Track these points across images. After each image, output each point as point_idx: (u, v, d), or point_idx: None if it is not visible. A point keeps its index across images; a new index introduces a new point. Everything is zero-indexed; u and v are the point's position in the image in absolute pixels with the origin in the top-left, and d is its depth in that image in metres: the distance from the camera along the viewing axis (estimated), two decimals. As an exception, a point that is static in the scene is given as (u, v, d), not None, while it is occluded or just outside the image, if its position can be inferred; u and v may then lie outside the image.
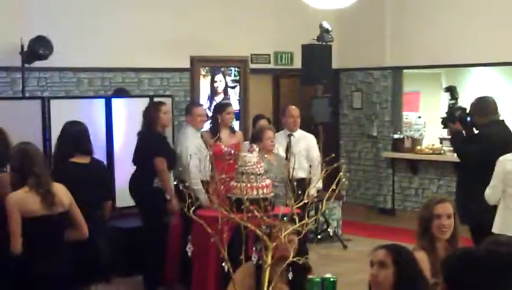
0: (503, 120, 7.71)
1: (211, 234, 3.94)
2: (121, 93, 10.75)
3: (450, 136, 8.23)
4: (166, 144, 8.83)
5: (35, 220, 5.53)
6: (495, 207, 6.91)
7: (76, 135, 7.32)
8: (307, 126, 10.65)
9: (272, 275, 4.11)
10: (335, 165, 4.40)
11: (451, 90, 8.08)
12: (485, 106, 7.43)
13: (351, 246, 10.79)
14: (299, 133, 10.04)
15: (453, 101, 7.86)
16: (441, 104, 14.62)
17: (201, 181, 8.46)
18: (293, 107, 10.15)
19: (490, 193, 6.77)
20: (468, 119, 7.66)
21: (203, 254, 7.30)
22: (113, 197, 8.31)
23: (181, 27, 11.75)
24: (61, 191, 5.74)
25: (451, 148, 9.36)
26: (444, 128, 8.05)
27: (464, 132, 7.63)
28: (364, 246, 10.78)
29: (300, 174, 9.46)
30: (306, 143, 9.97)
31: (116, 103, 10.03)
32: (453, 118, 7.66)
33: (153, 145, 8.58)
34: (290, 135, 9.98)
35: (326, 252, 10.41)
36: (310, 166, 9.74)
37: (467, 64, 12.74)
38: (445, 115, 7.87)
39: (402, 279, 4.06)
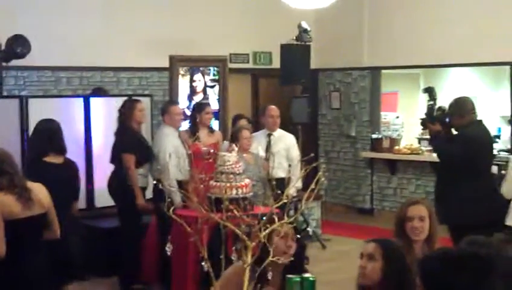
0: (481, 120, 7.75)
1: (190, 233, 3.93)
2: (100, 92, 10.72)
3: (429, 137, 8.25)
4: (138, 140, 8.80)
5: (17, 222, 5.44)
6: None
7: (48, 133, 7.28)
8: (285, 126, 10.67)
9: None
10: (314, 164, 4.40)
11: (430, 91, 8.12)
12: (463, 107, 7.46)
13: (330, 245, 10.82)
14: (279, 133, 10.05)
15: (431, 102, 7.89)
16: (419, 104, 14.70)
17: (181, 181, 8.46)
18: (273, 106, 10.16)
19: (505, 188, 6.91)
20: (447, 120, 7.70)
21: (182, 254, 7.30)
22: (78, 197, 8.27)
23: (160, 26, 11.73)
24: (40, 192, 5.66)
25: (431, 149, 9.39)
26: (423, 129, 8.10)
27: (443, 132, 7.66)
28: (343, 246, 10.85)
29: (280, 173, 9.46)
30: (285, 143, 9.99)
31: (95, 102, 10.01)
32: (432, 118, 7.69)
33: (123, 141, 8.58)
34: (269, 135, 9.99)
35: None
36: (290, 165, 9.76)
37: (444, 64, 12.81)
38: (424, 116, 7.91)
39: (389, 273, 4.12)
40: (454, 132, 7.66)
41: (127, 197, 8.49)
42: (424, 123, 7.84)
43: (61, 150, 7.29)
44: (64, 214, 6.59)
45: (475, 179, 7.12)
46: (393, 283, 4.17)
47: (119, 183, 8.59)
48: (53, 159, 7.13)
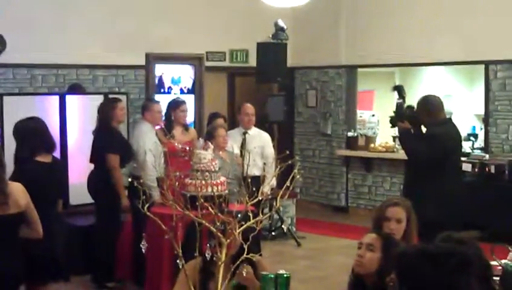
0: (450, 118, 7.77)
1: (165, 231, 3.94)
2: (76, 90, 10.70)
3: (398, 135, 8.28)
4: (121, 139, 8.82)
5: None
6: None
7: (38, 132, 7.24)
8: (261, 124, 10.70)
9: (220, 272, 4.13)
10: (289, 162, 4.43)
11: (399, 89, 8.14)
12: (430, 105, 7.47)
13: (305, 243, 10.84)
14: (254, 131, 10.09)
15: (400, 100, 7.91)
16: (395, 102, 14.76)
17: (156, 178, 8.47)
18: (248, 104, 10.19)
19: None
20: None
21: (157, 251, 7.31)
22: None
23: (136, 24, 11.72)
24: (17, 192, 5.64)
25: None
26: (392, 127, 8.12)
27: (412, 130, 7.69)
28: (318, 244, 10.89)
29: (255, 171, 9.52)
30: (261, 141, 10.03)
31: (71, 99, 9.98)
32: (401, 116, 7.72)
33: (107, 141, 8.57)
34: (244, 133, 10.02)
35: (280, 250, 10.45)
36: (264, 164, 9.80)
37: (420, 63, 12.88)
38: (393, 114, 7.93)
39: (387, 266, 4.15)
40: (424, 130, 7.70)
41: (108, 196, 8.48)
42: (393, 121, 7.86)
43: (51, 148, 7.26)
44: (52, 213, 6.59)
45: (440, 178, 7.10)
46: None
47: (100, 182, 8.57)
48: (43, 158, 7.10)
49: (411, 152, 7.55)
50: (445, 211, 6.87)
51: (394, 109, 7.92)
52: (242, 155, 9.51)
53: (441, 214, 6.72)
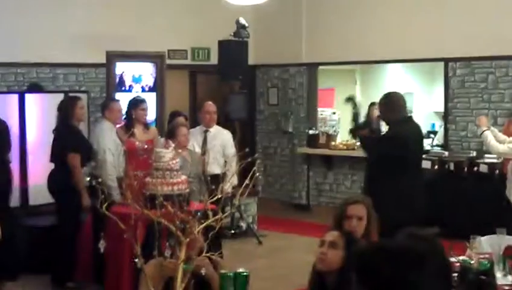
0: (411, 116, 7.81)
1: (124, 230, 3.93)
2: (35, 88, 10.61)
3: (360, 143, 8.30)
4: (81, 138, 8.78)
5: None
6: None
7: (6, 132, 7.18)
8: (223, 122, 10.70)
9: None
10: (249, 159, 4.44)
11: (352, 100, 8.19)
12: (393, 102, 7.49)
13: (266, 241, 10.86)
14: (215, 129, 10.09)
15: (355, 110, 7.97)
16: (356, 100, 14.87)
17: (117, 177, 8.45)
18: (210, 102, 10.19)
19: None
20: (374, 125, 7.78)
21: (117, 251, 7.27)
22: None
23: (97, 22, 11.65)
24: None
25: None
26: (353, 138, 8.20)
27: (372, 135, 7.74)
28: (279, 242, 10.92)
29: (216, 169, 9.53)
30: (222, 139, 10.04)
31: (30, 98, 9.91)
32: (359, 125, 7.79)
33: (68, 140, 8.52)
34: (206, 131, 10.02)
35: (241, 248, 10.46)
36: (225, 162, 9.81)
37: (380, 60, 12.98)
38: (352, 126, 8.00)
39: (349, 264, 4.16)
40: (383, 131, 7.75)
41: (69, 196, 8.42)
42: (354, 131, 7.92)
43: (10, 149, 7.19)
44: (11, 214, 6.55)
45: (401, 176, 7.12)
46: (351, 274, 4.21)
47: (61, 182, 8.51)
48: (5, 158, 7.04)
49: (374, 155, 7.54)
50: (406, 209, 6.87)
51: (351, 119, 7.98)
52: (203, 153, 9.53)
53: (401, 212, 6.73)
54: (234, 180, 8.54)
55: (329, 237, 4.48)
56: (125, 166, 8.38)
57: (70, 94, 9.67)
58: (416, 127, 7.63)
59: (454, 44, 11.47)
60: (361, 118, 7.98)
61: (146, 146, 8.30)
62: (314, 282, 4.58)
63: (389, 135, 7.48)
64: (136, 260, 3.89)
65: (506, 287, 4.93)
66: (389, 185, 7.02)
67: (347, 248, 4.37)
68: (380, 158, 7.35)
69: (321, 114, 13.68)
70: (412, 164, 7.30)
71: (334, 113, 13.77)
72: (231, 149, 9.93)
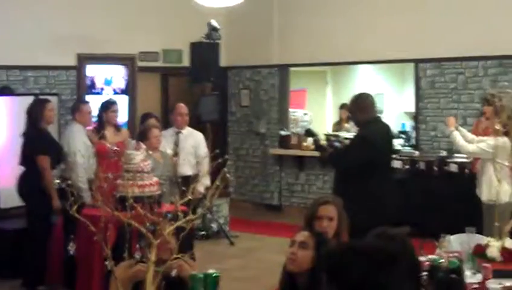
0: (379, 117, 7.79)
1: (94, 232, 3.93)
2: (5, 91, 10.55)
3: (328, 162, 8.30)
4: (51, 140, 8.74)
5: None
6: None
7: None
8: (195, 124, 10.70)
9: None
10: (219, 160, 4.45)
11: (310, 133, 8.22)
12: (362, 103, 7.51)
13: (238, 242, 10.87)
14: (187, 131, 10.10)
15: (315, 138, 8.01)
16: (327, 101, 14.95)
17: (87, 179, 8.42)
18: (182, 104, 10.20)
19: None
20: (336, 143, 7.81)
21: (88, 254, 7.25)
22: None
23: (67, 24, 11.59)
24: None
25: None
26: (324, 163, 8.27)
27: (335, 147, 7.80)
28: (251, 243, 10.93)
29: (187, 171, 9.54)
30: (194, 140, 10.05)
31: (0, 101, 9.84)
32: (322, 148, 7.82)
33: (37, 143, 8.48)
34: (178, 133, 10.02)
35: (213, 249, 10.46)
36: (198, 162, 9.82)
37: (351, 62, 13.04)
38: (318, 153, 8.08)
39: (319, 265, 4.17)
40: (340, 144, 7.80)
41: (39, 199, 8.37)
42: (322, 157, 7.99)
43: None
44: None
45: (371, 178, 7.11)
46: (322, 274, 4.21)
47: (31, 184, 8.46)
48: None
49: (344, 166, 7.53)
50: (375, 211, 6.83)
51: (315, 148, 8.05)
52: (175, 155, 9.54)
53: (370, 214, 6.70)
54: (207, 181, 8.55)
55: (299, 237, 4.49)
56: (96, 168, 8.37)
57: (41, 97, 9.62)
58: (385, 128, 7.64)
59: (424, 45, 11.55)
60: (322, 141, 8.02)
61: (116, 148, 8.29)
62: (285, 283, 4.58)
63: (357, 139, 7.48)
64: (107, 263, 3.89)
65: (475, 286, 4.97)
66: (358, 187, 7.01)
67: (317, 248, 4.37)
68: (349, 168, 7.33)
69: (293, 115, 13.70)
70: (380, 165, 7.30)
71: (305, 114, 13.80)
72: (203, 150, 9.94)
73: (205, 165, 9.25)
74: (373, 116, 7.44)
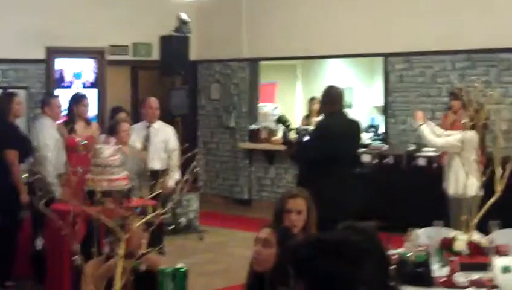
0: (341, 111, 7.70)
1: (62, 227, 3.92)
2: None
3: (293, 157, 8.29)
4: (18, 134, 8.67)
5: None
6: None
7: None
8: (165, 118, 10.68)
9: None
10: (189, 154, 4.45)
11: (282, 120, 8.23)
12: (328, 96, 7.52)
13: (208, 236, 10.87)
14: (158, 125, 10.08)
15: (285, 128, 7.99)
16: (297, 94, 14.97)
17: (57, 174, 8.38)
18: (153, 98, 10.18)
19: None
20: (304, 138, 7.81)
21: (57, 249, 7.22)
22: None
23: (37, 17, 11.53)
24: None
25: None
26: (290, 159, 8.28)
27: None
28: (221, 237, 10.94)
29: (157, 165, 9.51)
30: (165, 134, 10.03)
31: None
32: (289, 142, 7.83)
33: (5, 137, 8.42)
34: (149, 126, 10.00)
35: (183, 243, 10.45)
36: (169, 157, 9.81)
37: (321, 56, 13.07)
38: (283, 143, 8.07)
39: (283, 261, 4.17)
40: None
41: (7, 193, 8.31)
42: (290, 153, 7.98)
43: None
44: None
45: (332, 171, 7.14)
46: (286, 271, 4.21)
47: None
48: None
49: (305, 159, 7.57)
50: (336, 204, 6.83)
51: (282, 137, 8.04)
52: (145, 149, 9.53)
53: (334, 206, 6.70)
54: (176, 175, 8.54)
55: (261, 234, 4.46)
56: (66, 162, 8.33)
57: (9, 90, 9.56)
58: (349, 121, 7.65)
59: (393, 39, 11.62)
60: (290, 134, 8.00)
61: (85, 142, 8.26)
62: (252, 279, 4.59)
63: (315, 131, 7.53)
64: (75, 257, 3.88)
65: (443, 279, 5.02)
66: (318, 180, 6.98)
67: (280, 243, 4.35)
68: (314, 161, 7.34)
69: (263, 109, 13.71)
70: (342, 158, 7.29)
71: (275, 108, 13.82)
72: (174, 144, 9.93)
73: (175, 159, 9.23)
74: (339, 109, 7.46)
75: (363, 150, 10.76)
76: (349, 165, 7.50)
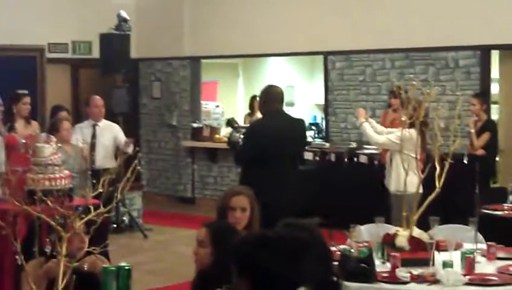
0: (279, 110, 7.68)
1: (2, 226, 3.87)
2: None
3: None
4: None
5: None
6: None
7: None
8: (106, 116, 10.61)
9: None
10: (130, 153, 4.43)
11: (231, 123, 8.24)
12: (266, 95, 7.52)
13: (152, 235, 10.84)
14: (104, 123, 10.05)
15: (233, 130, 8.02)
16: (238, 93, 15.00)
17: (-1, 173, 8.28)
18: (97, 97, 10.15)
19: None
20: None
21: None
22: None
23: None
24: None
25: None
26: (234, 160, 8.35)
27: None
28: (165, 235, 10.91)
29: (107, 164, 9.46)
30: (112, 132, 10.02)
31: None
32: (233, 145, 7.86)
33: None
34: (94, 125, 9.94)
35: (127, 242, 10.39)
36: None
37: (262, 54, 13.12)
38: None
39: (218, 257, 4.17)
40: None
41: None
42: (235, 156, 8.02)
43: None
44: None
45: (264, 169, 7.11)
46: (223, 266, 4.22)
47: None
48: None
49: (240, 160, 7.65)
50: (276, 202, 6.79)
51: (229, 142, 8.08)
52: (94, 148, 9.55)
53: (272, 205, 6.65)
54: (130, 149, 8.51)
55: (197, 235, 4.48)
56: (5, 161, 8.22)
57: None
58: (290, 120, 7.66)
59: (333, 37, 11.70)
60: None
61: (25, 141, 8.16)
62: (197, 277, 4.59)
63: (246, 131, 7.60)
64: (17, 257, 3.84)
65: (385, 274, 5.06)
66: (255, 178, 6.97)
67: (214, 243, 4.35)
68: (249, 159, 7.37)
69: (205, 107, 13.72)
70: (279, 157, 7.27)
71: (217, 106, 13.83)
72: (123, 138, 9.93)
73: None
74: (277, 108, 7.46)
75: (307, 147, 10.80)
76: (289, 163, 7.49)
